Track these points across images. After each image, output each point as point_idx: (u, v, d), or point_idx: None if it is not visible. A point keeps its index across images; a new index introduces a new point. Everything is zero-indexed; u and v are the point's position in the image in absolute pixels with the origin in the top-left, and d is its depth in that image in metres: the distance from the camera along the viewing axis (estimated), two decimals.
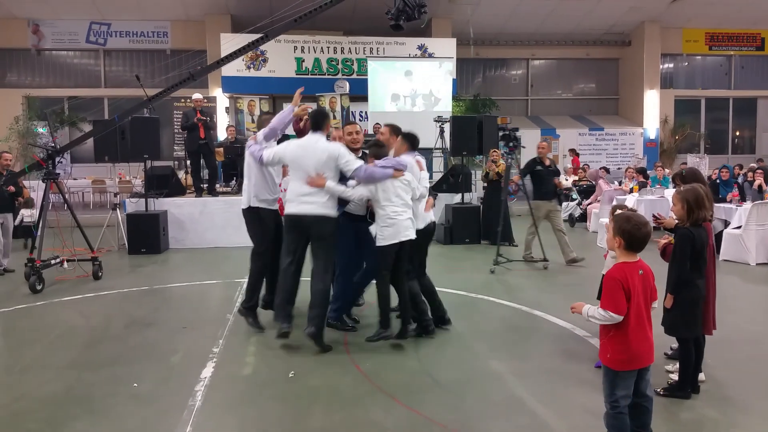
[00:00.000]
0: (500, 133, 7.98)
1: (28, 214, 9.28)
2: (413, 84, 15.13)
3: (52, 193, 6.93)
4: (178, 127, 16.16)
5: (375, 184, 4.35)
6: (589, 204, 11.80)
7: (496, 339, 4.67)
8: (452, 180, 10.37)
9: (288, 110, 4.96)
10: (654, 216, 4.04)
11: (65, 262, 6.97)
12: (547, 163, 7.87)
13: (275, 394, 3.64)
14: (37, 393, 3.68)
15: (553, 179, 7.80)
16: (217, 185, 10.84)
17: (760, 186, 9.07)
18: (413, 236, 4.45)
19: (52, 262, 6.80)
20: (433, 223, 4.94)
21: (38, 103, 16.40)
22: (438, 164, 13.37)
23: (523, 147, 9.39)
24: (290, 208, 4.43)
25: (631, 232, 2.68)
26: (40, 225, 6.66)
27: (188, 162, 10.90)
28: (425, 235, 4.77)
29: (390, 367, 4.07)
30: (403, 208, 4.41)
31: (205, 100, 11.15)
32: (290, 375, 3.91)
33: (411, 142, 4.78)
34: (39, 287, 6.34)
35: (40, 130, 15.54)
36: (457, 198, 10.05)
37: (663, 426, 3.11)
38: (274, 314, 4.63)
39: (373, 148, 4.69)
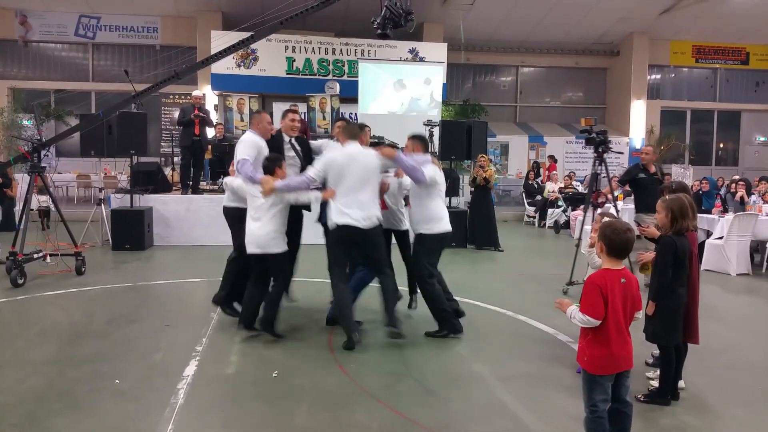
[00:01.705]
0: (585, 137, 6.66)
1: (43, 199, 9.22)
2: (403, 87, 15.18)
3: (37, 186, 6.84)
4: (165, 123, 16.07)
5: None
6: (574, 210, 11.90)
7: (480, 343, 4.70)
8: None
9: (415, 162, 4.69)
10: (636, 222, 4.09)
11: (48, 257, 6.88)
12: (653, 170, 6.97)
13: (258, 394, 3.63)
14: (17, 388, 3.63)
15: (659, 189, 7.06)
16: (204, 183, 10.77)
17: (741, 197, 9.24)
18: None
19: (35, 256, 6.72)
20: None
21: (24, 95, 16.19)
22: None
23: (620, 153, 8.51)
24: (446, 226, 4.86)
25: (611, 237, 2.74)
26: (23, 218, 6.57)
27: (175, 159, 10.80)
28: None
29: (374, 369, 4.08)
30: None
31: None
32: (274, 375, 3.90)
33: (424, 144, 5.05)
34: (20, 281, 6.26)
35: (26, 122, 15.34)
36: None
37: None
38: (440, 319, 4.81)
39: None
